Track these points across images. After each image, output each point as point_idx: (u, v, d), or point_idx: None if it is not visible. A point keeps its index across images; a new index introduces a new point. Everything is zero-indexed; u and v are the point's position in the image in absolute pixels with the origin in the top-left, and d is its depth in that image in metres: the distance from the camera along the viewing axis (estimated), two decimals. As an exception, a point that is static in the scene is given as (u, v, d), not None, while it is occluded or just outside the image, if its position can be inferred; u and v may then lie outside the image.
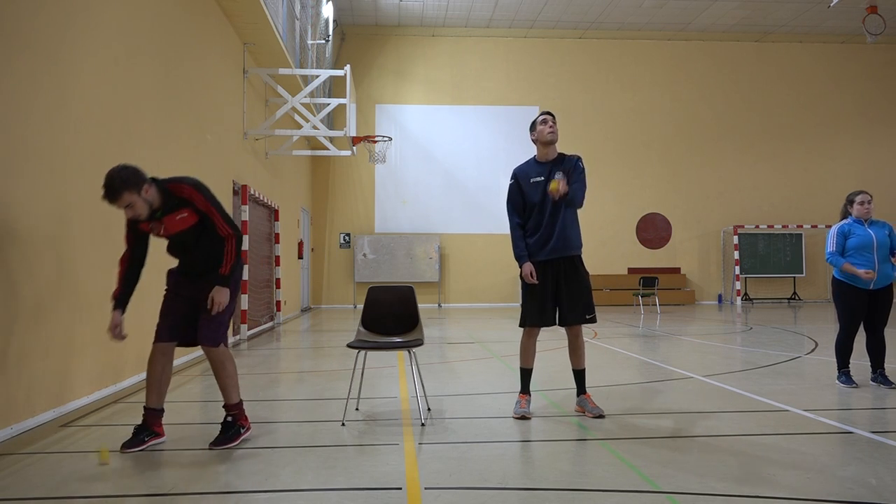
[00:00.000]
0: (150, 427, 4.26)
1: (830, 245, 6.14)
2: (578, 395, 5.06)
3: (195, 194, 4.18)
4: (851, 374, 6.08)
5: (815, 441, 4.22)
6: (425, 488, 3.33)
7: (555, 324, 4.97)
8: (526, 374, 5.06)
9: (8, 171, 4.46)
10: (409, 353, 4.94)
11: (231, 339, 10.30)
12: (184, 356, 8.02)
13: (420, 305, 5.31)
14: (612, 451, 3.98)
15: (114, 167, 3.97)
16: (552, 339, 10.73)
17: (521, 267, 4.92)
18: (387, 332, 5.24)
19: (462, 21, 20.68)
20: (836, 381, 6.12)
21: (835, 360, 6.19)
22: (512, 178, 5.08)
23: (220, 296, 4.17)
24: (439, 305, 20.90)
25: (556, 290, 4.92)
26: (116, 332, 4.14)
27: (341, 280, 20.84)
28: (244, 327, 10.83)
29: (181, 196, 4.17)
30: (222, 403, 4.32)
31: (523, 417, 4.82)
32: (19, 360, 4.54)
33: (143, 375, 6.57)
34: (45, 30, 4.93)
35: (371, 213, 21.13)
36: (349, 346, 4.89)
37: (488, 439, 4.32)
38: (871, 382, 6.04)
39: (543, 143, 4.99)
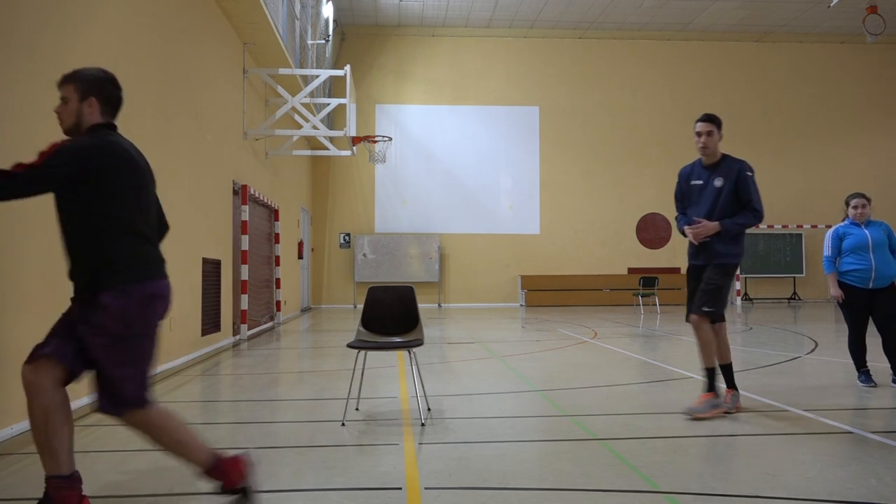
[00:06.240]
0: None
1: (826, 249, 6.20)
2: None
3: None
4: (871, 373, 6.08)
5: (815, 441, 4.22)
6: (425, 488, 3.33)
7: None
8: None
9: (8, 171, 4.45)
10: (409, 353, 4.93)
11: (231, 339, 10.30)
12: (184, 356, 8.02)
13: (420, 305, 5.29)
14: (612, 451, 3.98)
15: (99, 69, 3.29)
16: (551, 339, 10.73)
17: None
18: (387, 332, 5.23)
19: (462, 21, 20.68)
20: (857, 381, 6.11)
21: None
22: None
23: None
24: (439, 305, 20.89)
25: None
26: None
27: (341, 280, 20.83)
28: (244, 327, 10.83)
29: None
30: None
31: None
32: (20, 360, 4.53)
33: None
34: (44, 31, 4.93)
35: (371, 213, 21.13)
36: (349, 346, 4.89)
37: (488, 439, 4.32)
38: (891, 384, 6.01)
39: None
